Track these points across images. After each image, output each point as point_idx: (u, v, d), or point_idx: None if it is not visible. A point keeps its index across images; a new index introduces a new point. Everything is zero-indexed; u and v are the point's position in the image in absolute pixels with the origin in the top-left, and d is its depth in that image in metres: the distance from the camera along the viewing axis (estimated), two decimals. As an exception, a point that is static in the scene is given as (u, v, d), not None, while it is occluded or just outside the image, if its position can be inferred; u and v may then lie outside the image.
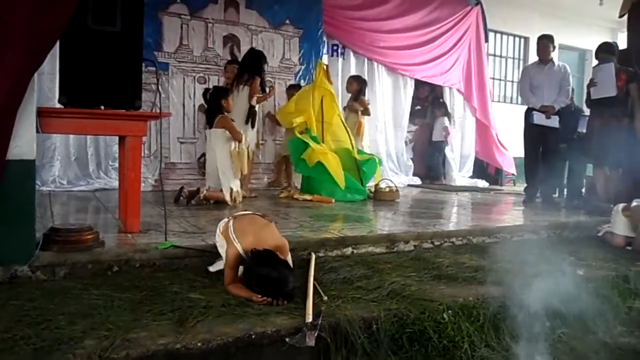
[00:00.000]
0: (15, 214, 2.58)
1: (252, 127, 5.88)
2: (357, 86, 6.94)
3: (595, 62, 5.97)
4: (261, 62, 5.96)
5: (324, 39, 7.64)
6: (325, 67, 6.41)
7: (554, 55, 6.38)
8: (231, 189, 5.04)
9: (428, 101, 9.48)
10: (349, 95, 7.07)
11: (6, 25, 2.35)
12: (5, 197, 2.51)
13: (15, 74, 2.40)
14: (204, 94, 5.36)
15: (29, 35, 2.41)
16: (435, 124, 9.25)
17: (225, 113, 5.14)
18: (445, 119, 9.14)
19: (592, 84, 5.72)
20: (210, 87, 5.82)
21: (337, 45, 7.90)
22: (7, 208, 2.54)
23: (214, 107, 5.14)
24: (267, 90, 6.22)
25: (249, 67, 5.82)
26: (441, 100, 9.24)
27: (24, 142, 2.58)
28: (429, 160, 9.22)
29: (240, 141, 5.22)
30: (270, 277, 2.38)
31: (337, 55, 7.89)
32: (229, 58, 6.72)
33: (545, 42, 6.18)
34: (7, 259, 2.56)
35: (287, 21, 7.34)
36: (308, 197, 5.76)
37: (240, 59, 6.30)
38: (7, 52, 2.36)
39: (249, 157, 5.80)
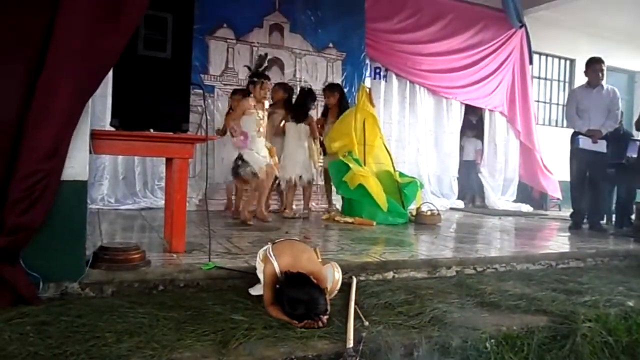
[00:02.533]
0: (67, 232, 2.67)
1: None
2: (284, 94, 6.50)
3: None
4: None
5: (367, 62, 7.71)
6: (368, 90, 6.46)
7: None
8: (301, 177, 6.05)
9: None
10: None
11: (68, 48, 2.47)
12: (58, 216, 2.60)
13: (73, 97, 2.51)
14: (302, 91, 6.42)
15: (88, 59, 2.52)
16: (465, 143, 9.17)
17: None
18: (479, 141, 9.07)
19: None
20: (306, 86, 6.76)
21: (379, 68, 7.95)
22: (60, 227, 2.63)
23: (306, 106, 6.12)
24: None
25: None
26: (474, 122, 9.18)
27: (78, 163, 2.69)
28: (463, 179, 9.12)
29: (317, 139, 6.36)
30: (299, 299, 2.39)
31: (380, 78, 7.95)
32: (275, 81, 6.89)
33: (599, 66, 6.04)
34: (59, 275, 2.66)
35: (331, 44, 7.45)
36: (349, 219, 5.77)
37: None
38: (67, 75, 2.48)
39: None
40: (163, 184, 5.92)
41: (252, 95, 5.31)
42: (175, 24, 3.26)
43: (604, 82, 6.16)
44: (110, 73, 2.98)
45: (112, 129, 3.29)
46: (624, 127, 7.14)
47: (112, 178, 6.33)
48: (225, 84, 6.70)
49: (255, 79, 5.35)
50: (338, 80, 7.46)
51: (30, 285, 2.51)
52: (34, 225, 2.47)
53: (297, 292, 2.42)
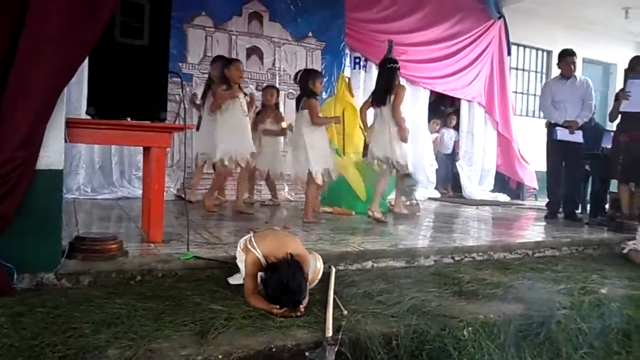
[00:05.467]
0: (42, 222, 2.63)
1: None
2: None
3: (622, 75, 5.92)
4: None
5: (347, 51, 7.68)
6: (347, 79, 6.44)
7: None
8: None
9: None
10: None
11: (42, 37, 2.42)
12: (33, 206, 2.56)
13: (48, 85, 2.47)
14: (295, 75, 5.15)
15: (62, 47, 2.47)
16: (443, 135, 9.25)
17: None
18: (456, 132, 9.19)
19: (624, 96, 5.52)
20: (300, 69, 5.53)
21: (359, 58, 7.93)
22: (35, 216, 2.59)
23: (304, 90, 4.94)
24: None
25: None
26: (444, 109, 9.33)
27: (53, 152, 2.65)
28: (442, 170, 9.19)
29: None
30: (287, 286, 2.37)
31: (359, 68, 7.92)
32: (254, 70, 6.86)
33: (570, 59, 6.10)
34: (34, 266, 2.62)
35: (310, 34, 7.41)
36: (328, 209, 5.77)
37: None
38: (41, 64, 2.43)
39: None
40: (140, 173, 5.86)
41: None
42: (152, 11, 3.21)
43: (576, 74, 6.24)
44: (86, 60, 2.92)
45: (88, 117, 3.23)
46: (595, 120, 7.23)
47: (88, 167, 6.24)
48: (203, 73, 6.61)
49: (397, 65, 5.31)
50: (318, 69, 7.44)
51: (4, 276, 2.47)
52: (8, 214, 2.43)
53: (287, 277, 2.38)
